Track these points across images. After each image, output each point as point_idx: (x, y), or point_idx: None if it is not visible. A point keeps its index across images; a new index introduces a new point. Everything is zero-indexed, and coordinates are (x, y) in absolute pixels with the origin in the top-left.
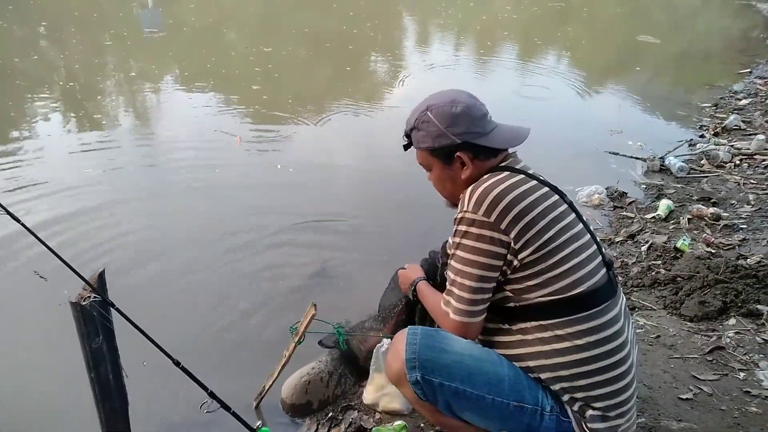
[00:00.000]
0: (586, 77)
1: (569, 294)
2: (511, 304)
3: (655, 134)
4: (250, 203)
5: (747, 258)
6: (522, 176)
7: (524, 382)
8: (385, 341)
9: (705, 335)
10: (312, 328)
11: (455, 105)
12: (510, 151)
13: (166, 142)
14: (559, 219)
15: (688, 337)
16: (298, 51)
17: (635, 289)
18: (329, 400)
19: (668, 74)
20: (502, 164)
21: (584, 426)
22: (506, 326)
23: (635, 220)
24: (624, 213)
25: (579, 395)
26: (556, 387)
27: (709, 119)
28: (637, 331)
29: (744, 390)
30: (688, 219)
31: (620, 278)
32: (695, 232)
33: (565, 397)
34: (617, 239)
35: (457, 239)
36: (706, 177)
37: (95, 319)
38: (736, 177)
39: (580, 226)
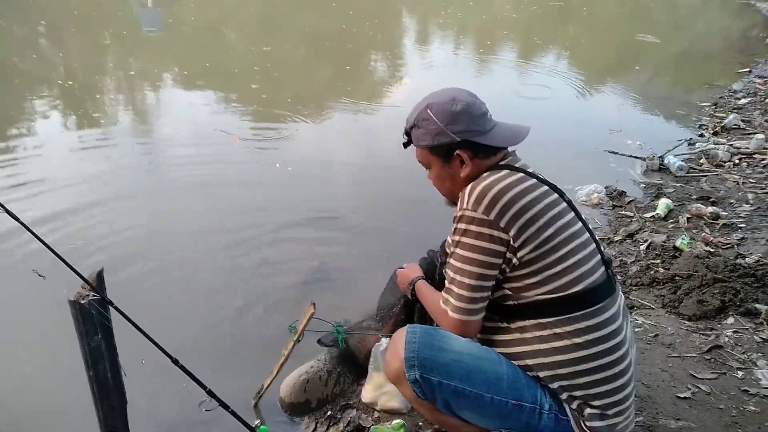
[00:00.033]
0: (586, 76)
1: (568, 292)
2: (510, 302)
3: (655, 133)
4: (248, 201)
5: (746, 257)
6: (521, 174)
7: (523, 380)
8: (384, 340)
9: (703, 334)
10: (311, 327)
11: (455, 103)
12: (509, 149)
13: (164, 140)
14: (558, 217)
15: (686, 336)
16: (297, 50)
17: (634, 288)
18: (328, 398)
19: (668, 73)
20: (502, 162)
21: (582, 424)
22: (505, 324)
23: (634, 219)
24: (623, 212)
25: (577, 393)
26: (554, 385)
27: (708, 118)
28: (636, 329)
29: (742, 389)
30: (687, 218)
31: (619, 277)
32: (694, 231)
33: (564, 396)
34: (616, 238)
35: (457, 237)
36: (705, 176)
37: (94, 317)
38: (735, 176)
39: (579, 224)
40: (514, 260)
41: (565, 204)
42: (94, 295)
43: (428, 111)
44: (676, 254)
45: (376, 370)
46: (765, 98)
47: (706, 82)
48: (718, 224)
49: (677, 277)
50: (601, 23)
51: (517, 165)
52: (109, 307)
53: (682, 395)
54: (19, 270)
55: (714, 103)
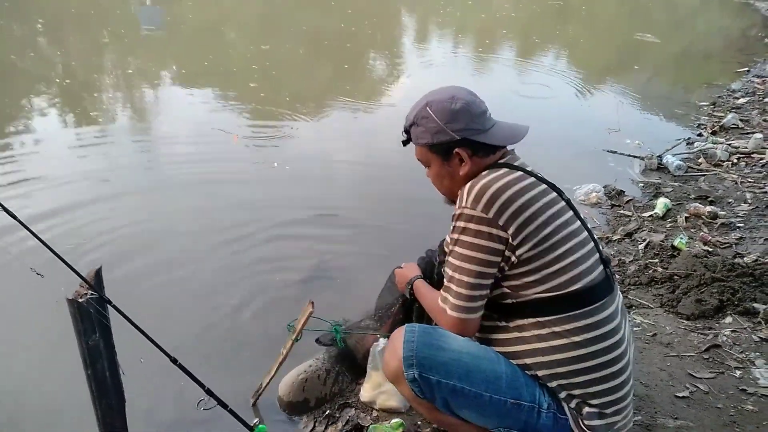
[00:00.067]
0: (585, 76)
1: (567, 290)
2: (509, 301)
3: (653, 133)
4: (247, 200)
5: (744, 256)
6: (520, 173)
7: (521, 379)
8: (382, 340)
9: (701, 333)
10: (309, 326)
11: (455, 101)
12: (508, 148)
13: (163, 139)
14: (557, 216)
15: (684, 336)
16: (296, 49)
17: (632, 287)
18: (326, 397)
19: (667, 73)
20: (501, 161)
21: (581, 423)
22: (503, 323)
23: (633, 219)
24: (621, 211)
25: (576, 392)
26: (553, 384)
27: (707, 118)
28: (634, 329)
29: (740, 388)
30: (686, 217)
31: (617, 276)
32: (692, 230)
33: (562, 394)
34: (615, 237)
35: (455, 235)
36: (704, 175)
37: (92, 316)
38: (734, 175)
39: (578, 223)
40: (513, 258)
41: (563, 203)
42: (92, 294)
43: (428, 109)
44: (675, 253)
45: (374, 369)
46: (763, 98)
47: (704, 82)
48: (716, 223)
49: (675, 277)
50: (600, 23)
51: (515, 163)
52: (108, 305)
53: (680, 394)
54: (17, 268)
55: (712, 102)
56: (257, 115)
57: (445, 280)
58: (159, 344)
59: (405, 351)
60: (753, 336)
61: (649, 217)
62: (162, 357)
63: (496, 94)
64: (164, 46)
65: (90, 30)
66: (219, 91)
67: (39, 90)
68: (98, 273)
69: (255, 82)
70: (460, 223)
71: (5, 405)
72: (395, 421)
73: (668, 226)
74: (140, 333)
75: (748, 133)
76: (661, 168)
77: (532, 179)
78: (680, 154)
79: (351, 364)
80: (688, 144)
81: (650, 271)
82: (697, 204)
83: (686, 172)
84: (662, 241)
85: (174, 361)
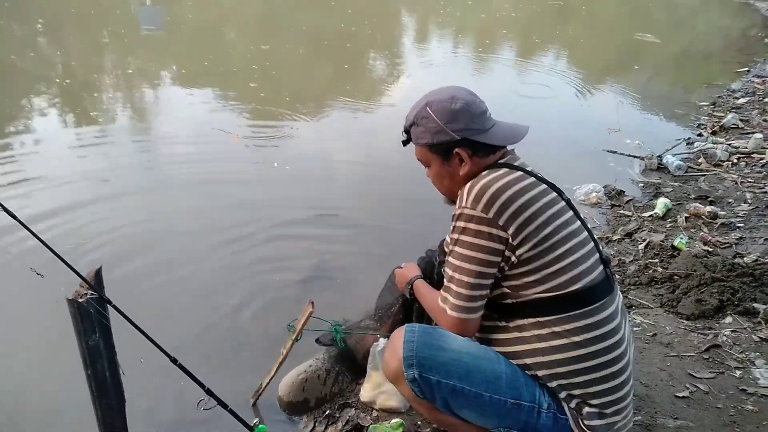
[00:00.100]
0: (585, 76)
1: (567, 290)
2: (509, 301)
3: (653, 133)
4: (247, 200)
5: (744, 256)
6: (520, 173)
7: (521, 379)
8: (382, 340)
9: (701, 333)
10: (309, 326)
11: (455, 101)
12: (508, 148)
13: (163, 139)
14: (557, 216)
15: (684, 336)
16: (296, 49)
17: (632, 287)
18: (326, 397)
19: (667, 73)
20: (501, 161)
21: (581, 423)
22: (503, 323)
23: (633, 219)
24: (621, 211)
25: (576, 392)
26: (553, 384)
27: (707, 118)
28: (634, 329)
29: (740, 388)
30: (686, 217)
31: (617, 276)
32: (692, 230)
33: (562, 394)
34: (615, 237)
35: (455, 235)
36: (704, 175)
37: (92, 316)
38: (734, 175)
39: (578, 223)
40: (513, 258)
41: (563, 203)
42: (92, 294)
43: (428, 109)
44: (675, 253)
45: (374, 369)
46: (763, 98)
47: (704, 82)
48: (716, 223)
49: (675, 277)
50: (600, 23)
51: (515, 163)
52: (108, 305)
53: (680, 394)
54: (17, 268)
55: (712, 102)
56: (257, 115)
57: (445, 280)
58: (159, 344)
59: (405, 351)
60: (753, 336)
61: (649, 217)
62: (162, 357)
63: (496, 94)
64: (164, 46)
65: (90, 30)
66: (219, 91)
67: (39, 90)
68: (98, 273)
69: (255, 82)
70: (460, 223)
71: (5, 405)
72: (395, 421)
73: (668, 226)
74: (140, 333)
75: (748, 133)
76: (661, 168)
77: (532, 179)
78: (680, 154)
79: (351, 364)
80: (688, 144)
81: (650, 271)
82: (697, 204)
83: (686, 172)
84: (662, 241)
85: (174, 361)
